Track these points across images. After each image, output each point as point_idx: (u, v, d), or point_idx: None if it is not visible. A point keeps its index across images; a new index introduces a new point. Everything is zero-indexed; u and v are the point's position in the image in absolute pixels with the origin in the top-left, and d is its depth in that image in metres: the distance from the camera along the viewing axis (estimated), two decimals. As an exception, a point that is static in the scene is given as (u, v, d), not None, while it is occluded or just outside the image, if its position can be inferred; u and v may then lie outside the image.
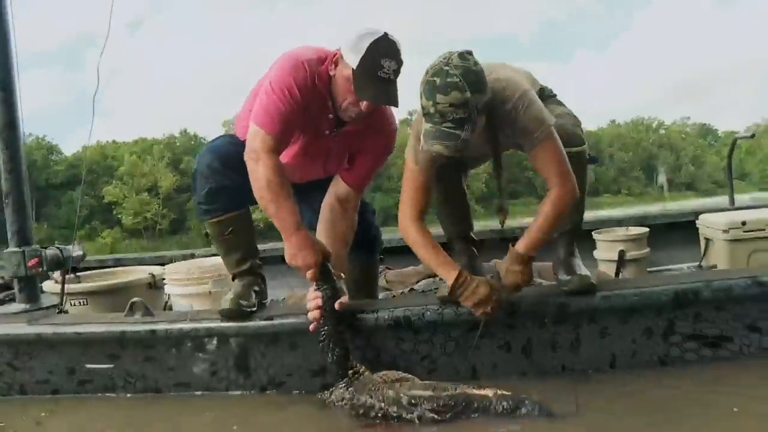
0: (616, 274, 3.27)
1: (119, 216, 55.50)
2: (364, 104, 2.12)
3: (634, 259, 3.43)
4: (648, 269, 3.55)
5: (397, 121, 2.47)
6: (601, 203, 69.64)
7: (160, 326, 2.38)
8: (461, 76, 1.84)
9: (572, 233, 2.36)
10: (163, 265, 3.77)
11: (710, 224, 3.22)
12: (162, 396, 2.42)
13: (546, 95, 2.40)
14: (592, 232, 3.60)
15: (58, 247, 2.81)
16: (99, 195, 55.86)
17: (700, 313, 2.15)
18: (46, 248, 2.78)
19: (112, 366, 2.45)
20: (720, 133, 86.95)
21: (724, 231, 3.01)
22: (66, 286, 2.85)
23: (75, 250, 2.89)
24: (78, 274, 3.25)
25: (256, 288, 2.43)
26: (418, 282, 3.23)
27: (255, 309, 2.35)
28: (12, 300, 3.20)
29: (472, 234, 2.66)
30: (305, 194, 2.52)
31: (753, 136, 4.55)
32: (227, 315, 2.30)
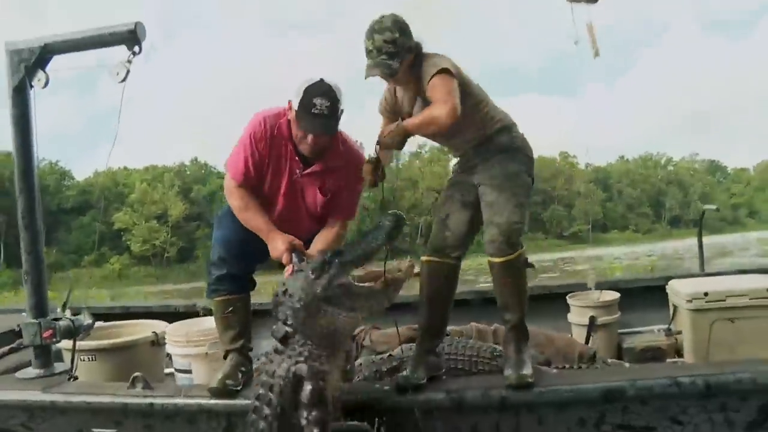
0: (587, 339, 3.60)
1: (128, 243, 55.82)
2: (308, 137, 2.62)
3: (605, 324, 3.68)
4: (619, 331, 3.80)
5: (363, 155, 2.86)
6: (610, 239, 69.57)
7: (158, 400, 2.71)
8: (392, 23, 2.53)
9: (517, 329, 2.68)
10: (168, 314, 4.23)
11: (676, 292, 3.41)
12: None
13: (503, 144, 2.76)
14: (567, 296, 3.86)
15: (70, 319, 3.15)
16: (109, 221, 56.28)
17: (628, 407, 2.44)
18: (59, 320, 3.12)
19: (115, 431, 2.78)
20: (729, 170, 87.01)
21: (688, 300, 3.19)
22: (78, 344, 3.19)
23: (85, 320, 3.23)
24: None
25: (243, 368, 2.78)
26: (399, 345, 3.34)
27: (239, 388, 2.69)
28: (26, 347, 3.58)
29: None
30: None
31: (718, 209, 4.86)
32: (215, 393, 2.67)
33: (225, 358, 2.87)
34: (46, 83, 3.04)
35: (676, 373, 2.47)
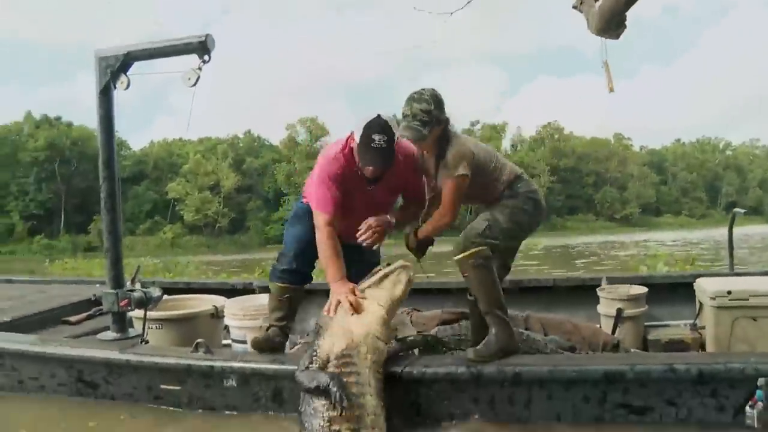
0: (613, 329, 3.84)
1: (181, 212, 57.27)
2: (367, 168, 3.00)
3: (632, 316, 3.88)
4: (645, 323, 4.01)
5: (412, 152, 3.22)
6: (661, 223, 68.11)
7: (217, 363, 3.13)
8: (430, 96, 2.95)
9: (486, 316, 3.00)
10: (225, 290, 4.73)
11: (702, 290, 3.61)
12: (215, 413, 3.17)
13: (513, 191, 3.14)
14: (597, 289, 4.10)
15: (143, 291, 3.62)
16: (163, 191, 57.68)
17: (628, 388, 2.75)
18: (133, 291, 3.59)
19: (179, 388, 3.22)
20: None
21: (711, 298, 3.40)
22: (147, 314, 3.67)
23: (155, 292, 3.70)
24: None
25: (278, 339, 3.29)
26: (435, 326, 3.70)
27: (279, 346, 3.20)
28: (101, 314, 4.20)
29: None
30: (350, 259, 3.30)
31: (746, 212, 4.99)
32: (257, 346, 3.17)
33: (267, 330, 3.35)
34: (128, 86, 3.46)
35: (672, 361, 2.75)
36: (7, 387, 3.58)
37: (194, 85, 3.31)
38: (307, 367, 2.76)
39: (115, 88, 3.50)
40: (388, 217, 3.19)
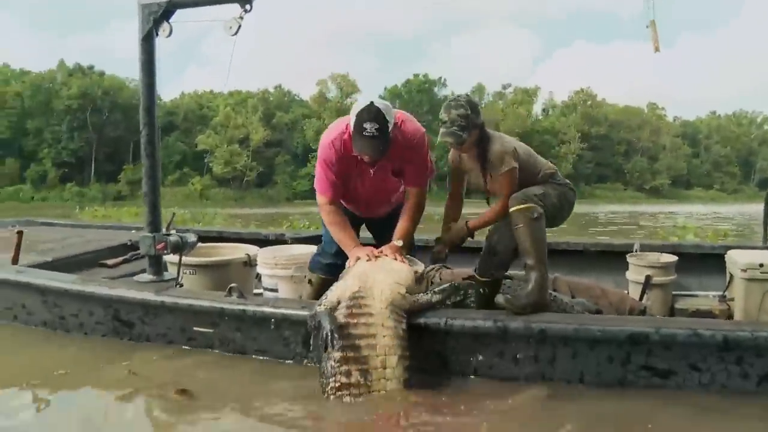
0: (641, 296, 3.85)
1: (210, 164, 57.78)
2: (362, 155, 3.08)
3: (660, 284, 3.88)
4: (674, 292, 4.01)
5: (421, 130, 3.31)
6: (691, 196, 66.95)
7: (249, 308, 3.22)
8: (466, 102, 3.12)
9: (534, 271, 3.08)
10: (258, 240, 4.86)
11: (733, 261, 3.61)
12: (245, 357, 3.27)
13: (550, 180, 3.33)
14: (627, 255, 4.10)
15: (179, 235, 3.71)
16: (192, 142, 58.11)
17: (652, 350, 2.77)
18: (170, 236, 3.68)
19: (212, 330, 3.32)
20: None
21: (743, 270, 3.40)
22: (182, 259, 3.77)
23: (190, 238, 3.79)
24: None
25: None
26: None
27: None
28: (138, 259, 4.31)
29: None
30: (384, 224, 3.53)
31: None
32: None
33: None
34: (170, 33, 3.49)
35: (698, 326, 2.76)
36: (50, 324, 3.74)
37: (235, 34, 3.33)
38: (316, 309, 2.85)
39: (157, 35, 3.53)
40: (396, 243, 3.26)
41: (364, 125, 2.93)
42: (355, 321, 2.76)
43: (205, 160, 57.55)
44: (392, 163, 3.25)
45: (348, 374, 2.67)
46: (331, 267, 3.51)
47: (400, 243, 3.24)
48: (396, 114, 3.17)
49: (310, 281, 3.68)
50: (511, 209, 3.07)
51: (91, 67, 60.64)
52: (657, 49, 3.11)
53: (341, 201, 3.42)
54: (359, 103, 3.06)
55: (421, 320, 2.94)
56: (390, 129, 3.02)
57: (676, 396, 2.72)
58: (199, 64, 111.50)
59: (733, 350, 2.70)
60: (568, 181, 3.44)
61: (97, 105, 56.94)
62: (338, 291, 2.89)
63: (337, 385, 2.67)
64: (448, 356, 2.97)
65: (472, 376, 2.95)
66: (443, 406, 2.64)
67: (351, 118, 3.03)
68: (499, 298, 3.00)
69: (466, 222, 3.35)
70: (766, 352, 2.67)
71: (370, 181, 3.31)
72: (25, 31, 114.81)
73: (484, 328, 2.89)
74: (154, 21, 3.50)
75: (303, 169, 58.83)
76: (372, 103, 3.00)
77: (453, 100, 3.16)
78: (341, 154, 3.18)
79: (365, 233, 3.77)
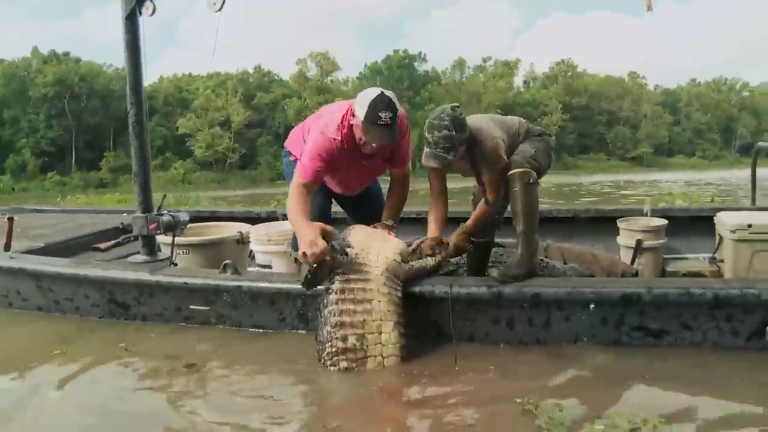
0: (632, 260, 3.91)
1: (192, 148, 57.03)
2: (371, 145, 3.05)
3: (651, 248, 3.94)
4: (664, 256, 4.08)
5: (406, 115, 3.30)
6: (673, 164, 67.45)
7: (245, 283, 3.24)
8: (450, 121, 2.97)
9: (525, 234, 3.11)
10: (250, 218, 4.86)
11: (722, 223, 3.67)
12: (242, 330, 3.30)
13: (530, 134, 3.30)
14: (617, 220, 4.15)
15: (171, 215, 3.71)
16: (173, 126, 57.47)
17: (645, 311, 2.83)
18: (162, 215, 3.68)
19: (208, 308, 3.34)
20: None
21: (732, 231, 3.45)
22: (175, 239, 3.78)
23: (182, 217, 3.78)
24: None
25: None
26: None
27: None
28: (130, 242, 4.31)
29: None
30: (357, 202, 3.56)
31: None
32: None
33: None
34: (153, 11, 3.46)
35: (688, 285, 2.82)
36: (45, 307, 3.74)
37: (219, 10, 3.30)
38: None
39: (140, 14, 3.50)
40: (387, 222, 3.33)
41: (380, 114, 2.93)
42: (352, 286, 2.80)
43: (187, 144, 56.85)
44: (384, 151, 3.23)
45: (344, 339, 2.72)
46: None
47: (391, 223, 3.29)
48: None
49: (295, 260, 3.61)
50: (510, 172, 3.07)
51: (66, 54, 59.48)
52: (650, 8, 3.11)
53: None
54: (365, 92, 3.05)
55: (418, 288, 2.99)
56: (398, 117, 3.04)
57: (668, 353, 2.79)
58: (178, 48, 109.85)
59: (723, 308, 2.77)
60: (541, 128, 3.44)
61: (74, 92, 55.84)
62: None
63: (333, 350, 2.72)
64: (445, 324, 3.01)
65: (470, 342, 3.00)
66: (442, 374, 2.70)
67: (358, 108, 2.98)
68: (493, 272, 3.04)
69: (462, 227, 3.30)
70: (755, 308, 2.74)
71: (361, 169, 3.29)
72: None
73: (479, 295, 2.93)
74: (137, 0, 3.45)
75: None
76: (383, 92, 2.99)
77: (436, 119, 3.01)
78: (341, 147, 3.11)
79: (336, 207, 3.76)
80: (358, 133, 3.06)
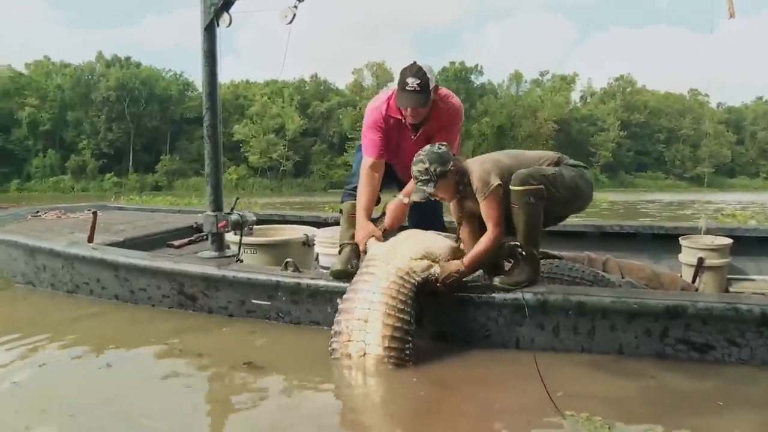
0: (693, 278, 3.89)
1: (246, 154, 57.95)
2: (407, 109, 3.29)
3: (714, 267, 3.88)
4: (728, 276, 4.02)
5: (461, 105, 3.57)
6: (735, 185, 65.21)
7: (304, 281, 3.44)
8: (425, 154, 3.12)
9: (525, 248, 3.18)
10: (317, 223, 5.18)
11: None
12: (300, 327, 3.49)
13: (562, 163, 3.31)
14: (679, 238, 4.11)
15: (239, 214, 3.96)
16: (229, 132, 58.72)
17: (690, 324, 2.87)
18: (230, 214, 3.93)
19: (269, 303, 3.56)
20: None
21: None
22: (243, 239, 4.03)
23: (250, 216, 4.04)
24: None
25: (355, 260, 3.50)
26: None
27: (355, 270, 3.33)
28: (202, 240, 4.60)
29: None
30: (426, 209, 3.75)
31: None
32: (336, 276, 3.39)
33: (340, 252, 3.66)
34: (230, 23, 3.71)
35: (735, 300, 2.86)
36: (121, 296, 4.05)
37: (290, 22, 3.53)
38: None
39: (218, 25, 3.76)
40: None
41: (407, 80, 3.20)
42: (358, 278, 3.06)
43: (241, 150, 57.86)
44: (433, 130, 3.44)
45: (338, 323, 2.95)
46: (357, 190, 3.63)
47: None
48: (442, 88, 3.43)
49: (340, 210, 3.83)
50: (511, 187, 3.07)
51: (128, 59, 61.70)
52: (732, 15, 3.07)
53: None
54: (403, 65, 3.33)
55: (461, 293, 3.14)
56: (431, 87, 3.25)
57: (714, 368, 2.81)
58: (235, 55, 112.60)
59: None
60: (580, 162, 3.42)
61: (134, 96, 57.79)
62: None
63: (331, 332, 2.95)
64: (491, 328, 3.14)
65: (515, 349, 3.12)
66: (483, 379, 2.82)
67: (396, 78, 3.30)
68: (495, 281, 3.16)
69: (462, 261, 3.15)
70: None
71: (411, 146, 3.44)
72: (63, 24, 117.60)
73: (526, 300, 3.04)
74: (215, 11, 3.72)
75: (339, 158, 59.03)
76: (415, 62, 3.26)
77: (417, 154, 3.16)
78: (386, 116, 3.43)
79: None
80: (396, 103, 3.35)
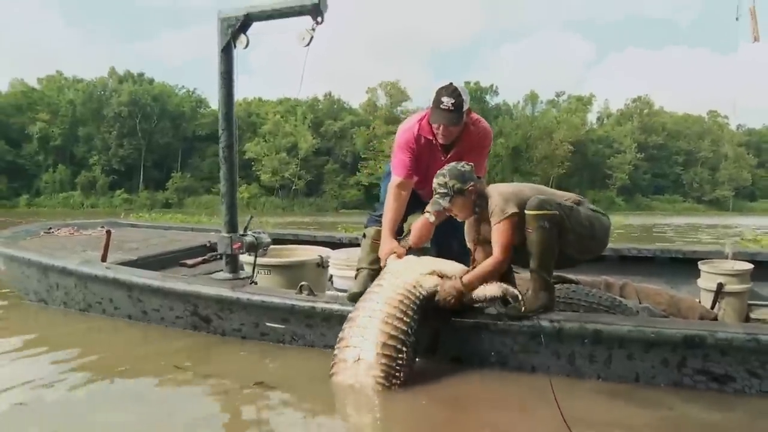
0: (713, 304, 3.80)
1: (258, 173, 57.89)
2: (440, 127, 3.35)
3: (734, 293, 3.78)
4: (749, 302, 3.92)
5: (491, 130, 3.65)
6: (756, 209, 64.53)
7: (318, 305, 3.43)
8: (448, 170, 3.20)
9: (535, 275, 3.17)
10: (332, 243, 5.18)
11: None
12: (315, 349, 3.46)
13: (582, 204, 3.30)
14: (698, 263, 4.01)
15: (254, 236, 3.97)
16: (241, 150, 58.99)
17: (708, 354, 2.82)
18: (245, 236, 3.94)
19: (284, 326, 3.54)
20: None
21: None
22: (257, 259, 4.02)
23: (265, 238, 4.05)
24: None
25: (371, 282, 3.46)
26: None
27: None
28: (216, 259, 4.60)
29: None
30: (450, 231, 3.68)
31: None
32: (353, 299, 3.35)
33: (356, 276, 3.68)
34: (247, 44, 3.76)
35: (756, 331, 2.80)
36: (134, 316, 4.06)
37: (308, 45, 3.56)
38: None
39: (235, 47, 3.81)
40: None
41: (442, 99, 3.26)
42: (362, 299, 3.10)
43: (252, 168, 57.73)
44: (462, 152, 3.48)
45: (342, 331, 3.00)
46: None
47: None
48: (473, 113, 3.52)
49: (364, 235, 3.84)
50: (527, 211, 3.08)
51: (141, 74, 62.27)
52: (757, 39, 3.07)
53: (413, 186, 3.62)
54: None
55: (475, 319, 3.13)
56: (464, 108, 3.30)
57: (734, 400, 2.75)
58: (249, 74, 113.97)
59: None
60: (600, 209, 3.41)
61: (146, 112, 58.16)
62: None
63: (334, 346, 2.99)
64: (507, 354, 3.11)
65: (531, 373, 3.08)
66: (498, 402, 2.80)
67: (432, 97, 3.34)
68: (510, 307, 3.12)
69: (461, 279, 3.12)
70: None
71: (440, 167, 3.41)
72: (77, 39, 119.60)
73: (541, 327, 3.01)
74: (232, 33, 3.78)
75: (352, 178, 59.12)
76: (451, 83, 3.32)
77: (440, 170, 3.25)
78: (419, 136, 3.48)
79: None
80: (430, 119, 3.40)
